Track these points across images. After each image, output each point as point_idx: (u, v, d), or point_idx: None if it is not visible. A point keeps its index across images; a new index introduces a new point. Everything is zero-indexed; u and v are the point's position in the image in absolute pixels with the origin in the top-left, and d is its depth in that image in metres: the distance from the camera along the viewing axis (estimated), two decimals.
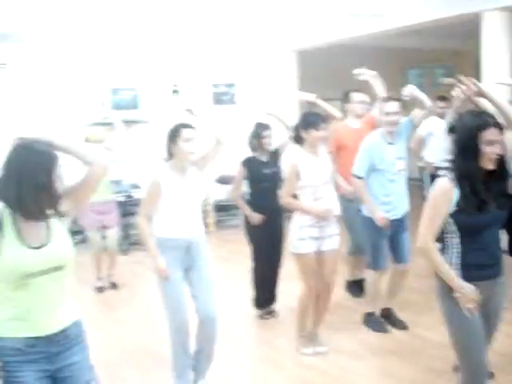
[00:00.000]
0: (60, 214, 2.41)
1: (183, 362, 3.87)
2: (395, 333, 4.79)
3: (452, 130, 2.89)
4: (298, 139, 4.34)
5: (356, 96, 5.42)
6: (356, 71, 5.13)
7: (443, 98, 6.98)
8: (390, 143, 4.55)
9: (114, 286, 6.42)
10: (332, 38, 8.99)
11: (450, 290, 2.73)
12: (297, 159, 4.27)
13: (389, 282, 4.88)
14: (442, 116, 6.46)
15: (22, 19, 7.51)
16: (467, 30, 7.04)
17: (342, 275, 5.81)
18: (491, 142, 2.61)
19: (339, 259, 5.58)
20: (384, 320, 4.90)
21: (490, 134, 2.61)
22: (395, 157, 4.53)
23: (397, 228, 4.63)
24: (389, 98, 4.61)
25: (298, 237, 4.26)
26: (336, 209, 4.36)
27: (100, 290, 6.29)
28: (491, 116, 2.75)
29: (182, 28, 8.64)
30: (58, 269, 2.37)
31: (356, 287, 5.64)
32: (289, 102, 9.17)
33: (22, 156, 2.28)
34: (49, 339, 2.37)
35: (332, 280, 4.44)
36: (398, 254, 4.72)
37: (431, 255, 2.75)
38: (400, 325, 4.85)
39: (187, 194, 3.74)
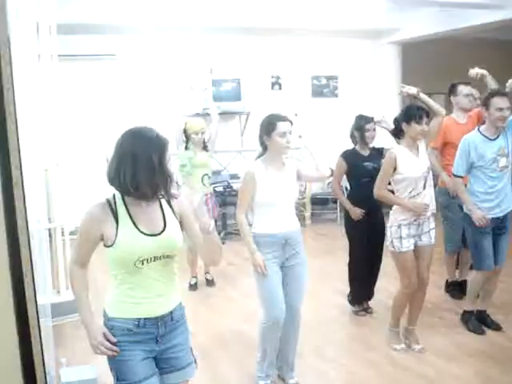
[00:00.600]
0: (172, 196, 2.51)
1: (271, 357, 3.88)
2: (492, 336, 4.59)
3: None
4: (398, 132, 4.28)
5: (463, 89, 5.19)
6: (470, 72, 4.92)
7: None
8: (491, 139, 4.35)
9: (209, 282, 6.29)
10: (436, 30, 8.67)
11: None
12: (395, 152, 4.20)
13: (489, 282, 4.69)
14: None
15: (131, 11, 7.82)
16: None
17: (441, 276, 5.65)
18: None
19: (440, 259, 5.45)
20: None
21: None
22: (497, 153, 4.33)
23: (498, 228, 4.43)
24: (499, 93, 4.38)
25: (397, 235, 4.21)
26: (433, 205, 4.26)
27: (194, 287, 6.12)
28: None
29: (284, 19, 8.66)
30: (169, 255, 2.46)
31: (456, 288, 5.44)
32: (391, 96, 8.97)
33: (134, 141, 2.37)
34: (157, 320, 2.47)
35: (427, 275, 4.35)
36: (494, 255, 4.51)
37: None
38: (495, 326, 4.70)
39: (283, 189, 3.71)
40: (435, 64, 10.33)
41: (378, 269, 5.17)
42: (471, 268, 4.93)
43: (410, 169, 4.15)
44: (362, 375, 4.13)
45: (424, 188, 4.20)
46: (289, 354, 3.96)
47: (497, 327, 4.69)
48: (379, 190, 4.31)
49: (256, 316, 4.00)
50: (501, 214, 4.43)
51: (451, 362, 4.20)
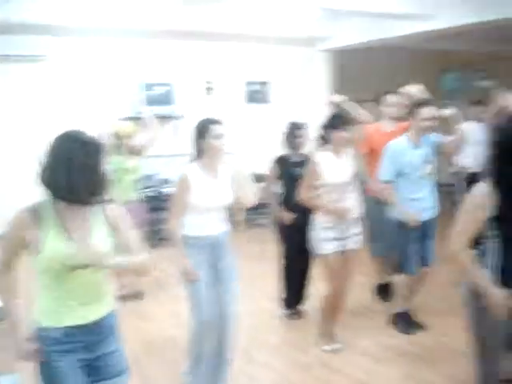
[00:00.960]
0: (107, 201, 2.47)
1: (198, 362, 3.83)
2: (420, 338, 4.73)
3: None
4: (322, 139, 4.39)
5: (390, 98, 5.33)
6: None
7: (479, 103, 6.86)
8: (416, 147, 4.49)
9: (137, 295, 5.91)
10: (368, 38, 8.89)
11: (478, 297, 2.67)
12: (319, 158, 4.30)
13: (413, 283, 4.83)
14: (479, 120, 6.35)
15: (61, 12, 7.62)
16: (507, 35, 6.89)
17: (369, 278, 5.78)
18: None
19: (369, 262, 5.58)
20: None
21: None
22: (422, 160, 4.49)
23: (423, 231, 4.57)
24: (425, 103, 4.53)
25: (320, 238, 4.31)
26: (356, 210, 4.38)
27: (123, 298, 5.55)
28: None
29: (217, 25, 8.67)
30: None
31: (384, 290, 5.58)
32: (322, 103, 9.13)
33: (70, 144, 2.32)
34: (87, 328, 2.42)
35: (350, 280, 4.48)
36: (422, 258, 4.65)
37: (462, 260, 2.69)
38: (419, 326, 4.86)
39: (217, 194, 3.71)
40: (367, 72, 10.61)
41: (309, 272, 5.24)
42: (398, 271, 5.07)
43: (333, 175, 4.26)
44: (293, 378, 4.16)
45: (347, 193, 4.29)
46: (220, 364, 3.90)
47: (421, 327, 4.84)
48: (302, 195, 4.39)
49: (188, 321, 3.97)
50: (426, 218, 4.58)
51: (382, 363, 4.31)
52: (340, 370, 4.23)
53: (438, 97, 13.21)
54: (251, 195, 3.85)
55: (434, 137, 4.60)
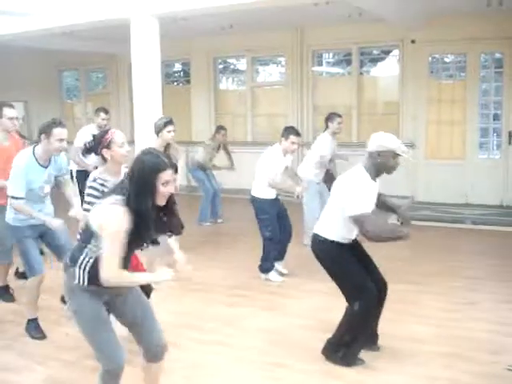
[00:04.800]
0: None
1: None
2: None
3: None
4: None
5: (8, 112, 4.88)
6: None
7: (104, 110, 7.09)
8: (42, 166, 4.29)
9: None
10: None
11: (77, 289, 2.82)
12: None
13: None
14: (102, 127, 6.57)
15: None
16: (121, 34, 7.25)
17: None
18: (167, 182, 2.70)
19: None
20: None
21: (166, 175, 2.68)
22: (44, 180, 4.32)
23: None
24: (58, 124, 4.17)
25: None
26: None
27: None
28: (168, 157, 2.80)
29: None
30: None
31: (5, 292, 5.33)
32: None
33: None
34: None
35: None
36: (56, 252, 4.53)
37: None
38: None
39: None
40: None
41: None
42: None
43: None
44: None
45: None
46: None
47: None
48: None
49: None
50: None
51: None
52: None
53: (58, 94, 13.37)
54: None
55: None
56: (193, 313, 4.77)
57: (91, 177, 3.71)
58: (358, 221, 3.53)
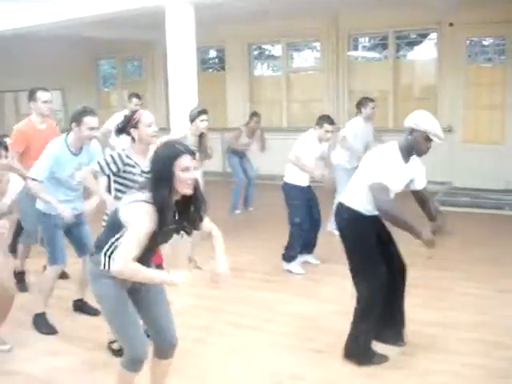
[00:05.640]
0: None
1: None
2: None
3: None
4: None
5: (42, 95, 5.02)
6: None
7: (137, 96, 7.14)
8: (74, 154, 4.29)
9: None
10: (15, 25, 8.42)
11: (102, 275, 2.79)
12: None
13: (82, 273, 4.59)
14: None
15: None
16: (157, 22, 7.25)
17: None
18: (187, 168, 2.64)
19: None
20: (78, 310, 4.72)
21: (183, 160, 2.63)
22: (74, 168, 4.29)
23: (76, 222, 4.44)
24: (89, 112, 4.22)
25: None
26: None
27: None
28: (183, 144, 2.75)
29: None
30: None
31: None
32: None
33: None
34: None
35: None
36: (78, 248, 4.55)
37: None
38: (93, 311, 4.56)
39: None
40: (21, 60, 10.14)
41: None
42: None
43: None
44: None
45: None
46: None
47: (95, 312, 4.46)
48: None
49: None
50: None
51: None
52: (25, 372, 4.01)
53: (95, 82, 13.54)
54: None
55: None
56: (226, 297, 4.80)
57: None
58: (373, 189, 3.46)
